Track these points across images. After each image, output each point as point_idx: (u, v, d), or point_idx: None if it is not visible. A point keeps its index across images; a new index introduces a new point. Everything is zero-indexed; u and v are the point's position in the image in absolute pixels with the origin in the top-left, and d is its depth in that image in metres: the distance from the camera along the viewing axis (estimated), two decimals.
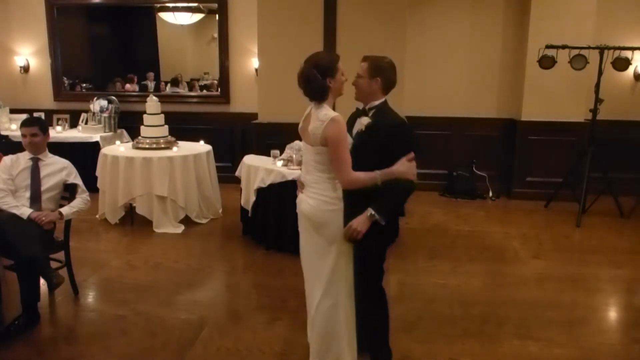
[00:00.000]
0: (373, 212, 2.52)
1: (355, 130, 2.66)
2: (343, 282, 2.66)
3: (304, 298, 2.86)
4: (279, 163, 4.77)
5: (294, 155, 4.68)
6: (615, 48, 5.74)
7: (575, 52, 5.80)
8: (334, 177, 2.56)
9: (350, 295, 2.68)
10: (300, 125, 2.69)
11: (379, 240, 2.64)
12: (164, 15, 8.21)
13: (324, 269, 2.63)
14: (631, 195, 6.10)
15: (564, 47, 5.80)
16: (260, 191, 4.77)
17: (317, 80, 2.52)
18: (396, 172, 2.51)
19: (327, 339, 2.69)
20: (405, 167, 2.53)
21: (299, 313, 3.06)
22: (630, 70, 6.45)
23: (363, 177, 2.50)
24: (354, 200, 2.57)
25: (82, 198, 3.75)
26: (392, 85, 2.68)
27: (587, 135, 6.03)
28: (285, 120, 5.69)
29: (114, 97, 7.18)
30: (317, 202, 2.60)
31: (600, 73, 5.76)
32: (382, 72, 2.63)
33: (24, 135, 3.64)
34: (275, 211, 4.69)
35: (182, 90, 8.19)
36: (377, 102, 2.65)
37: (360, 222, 2.53)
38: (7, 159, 3.70)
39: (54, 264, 3.66)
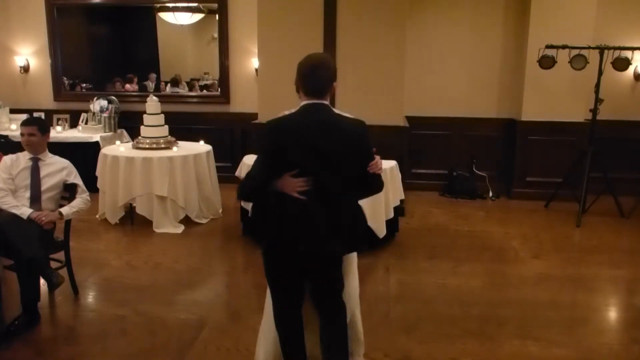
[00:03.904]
0: None
1: None
2: None
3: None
4: None
5: None
6: (615, 48, 5.74)
7: (575, 52, 5.80)
8: None
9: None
10: None
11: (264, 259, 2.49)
12: (164, 15, 8.21)
13: None
14: (631, 195, 6.10)
15: (564, 47, 5.80)
16: None
17: None
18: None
19: None
20: (285, 182, 2.31)
21: None
22: (630, 70, 6.45)
23: None
24: None
25: (82, 198, 3.75)
26: (301, 85, 2.37)
27: (587, 135, 6.03)
28: None
29: (114, 97, 7.17)
30: None
31: (600, 73, 5.75)
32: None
33: (22, 134, 3.65)
34: None
35: (182, 90, 8.19)
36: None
37: None
38: (7, 158, 3.70)
39: (54, 264, 3.67)
